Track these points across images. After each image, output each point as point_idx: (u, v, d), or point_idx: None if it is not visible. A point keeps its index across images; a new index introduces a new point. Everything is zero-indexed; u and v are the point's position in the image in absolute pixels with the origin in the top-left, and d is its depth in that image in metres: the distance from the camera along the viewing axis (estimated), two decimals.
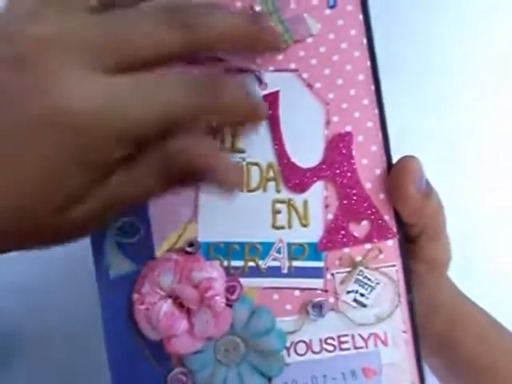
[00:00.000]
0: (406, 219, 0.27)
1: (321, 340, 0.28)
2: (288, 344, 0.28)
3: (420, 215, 0.27)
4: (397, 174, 0.26)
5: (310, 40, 0.28)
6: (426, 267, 0.29)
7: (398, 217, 0.28)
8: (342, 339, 0.28)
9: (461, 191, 0.43)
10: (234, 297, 0.27)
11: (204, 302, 0.26)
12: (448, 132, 0.42)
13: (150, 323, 0.27)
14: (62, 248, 0.40)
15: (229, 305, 0.27)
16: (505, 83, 0.43)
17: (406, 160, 0.26)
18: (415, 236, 0.28)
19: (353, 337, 0.28)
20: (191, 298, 0.26)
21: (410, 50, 0.43)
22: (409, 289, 0.28)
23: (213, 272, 0.27)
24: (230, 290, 0.27)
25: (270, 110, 0.28)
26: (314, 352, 0.28)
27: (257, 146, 0.28)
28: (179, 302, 0.26)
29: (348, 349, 0.28)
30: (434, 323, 0.33)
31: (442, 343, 0.33)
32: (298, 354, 0.28)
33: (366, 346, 0.28)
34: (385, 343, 0.28)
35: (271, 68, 0.28)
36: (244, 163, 0.28)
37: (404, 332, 0.28)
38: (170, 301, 0.27)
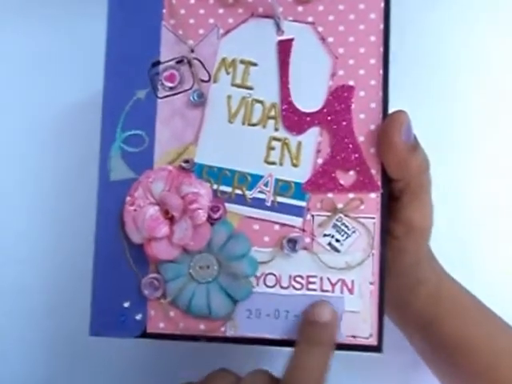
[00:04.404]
0: (392, 172, 0.28)
1: (290, 276, 0.29)
2: (259, 274, 0.29)
3: (405, 168, 0.28)
4: (386, 124, 0.28)
5: None
6: (404, 230, 0.30)
7: (384, 174, 0.29)
8: (311, 280, 0.29)
9: (460, 189, 0.43)
10: (216, 216, 0.29)
11: (187, 212, 0.28)
12: (448, 128, 0.43)
13: (135, 224, 0.29)
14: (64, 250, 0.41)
15: (210, 223, 0.29)
16: (505, 77, 0.43)
17: (396, 112, 0.28)
18: (398, 193, 0.29)
19: (321, 279, 0.29)
20: (176, 206, 0.28)
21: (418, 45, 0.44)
22: (383, 243, 0.29)
23: (201, 189, 0.29)
24: (213, 209, 0.29)
25: (282, 55, 0.30)
26: (281, 287, 0.29)
27: (264, 86, 0.30)
28: (165, 210, 0.28)
29: (314, 289, 0.29)
30: (418, 297, 0.33)
31: (427, 320, 0.33)
32: (266, 285, 0.29)
33: (332, 291, 0.29)
34: (351, 291, 0.29)
35: (290, 18, 0.30)
36: (250, 99, 0.30)
37: (371, 284, 0.29)
38: (157, 207, 0.29)
